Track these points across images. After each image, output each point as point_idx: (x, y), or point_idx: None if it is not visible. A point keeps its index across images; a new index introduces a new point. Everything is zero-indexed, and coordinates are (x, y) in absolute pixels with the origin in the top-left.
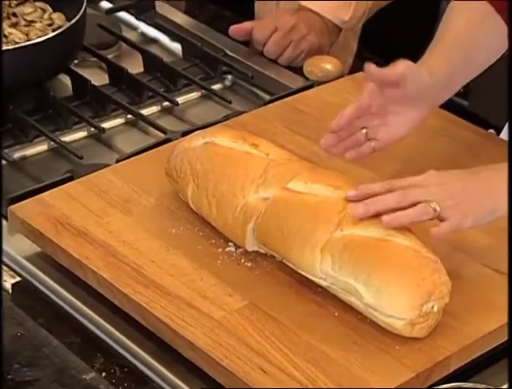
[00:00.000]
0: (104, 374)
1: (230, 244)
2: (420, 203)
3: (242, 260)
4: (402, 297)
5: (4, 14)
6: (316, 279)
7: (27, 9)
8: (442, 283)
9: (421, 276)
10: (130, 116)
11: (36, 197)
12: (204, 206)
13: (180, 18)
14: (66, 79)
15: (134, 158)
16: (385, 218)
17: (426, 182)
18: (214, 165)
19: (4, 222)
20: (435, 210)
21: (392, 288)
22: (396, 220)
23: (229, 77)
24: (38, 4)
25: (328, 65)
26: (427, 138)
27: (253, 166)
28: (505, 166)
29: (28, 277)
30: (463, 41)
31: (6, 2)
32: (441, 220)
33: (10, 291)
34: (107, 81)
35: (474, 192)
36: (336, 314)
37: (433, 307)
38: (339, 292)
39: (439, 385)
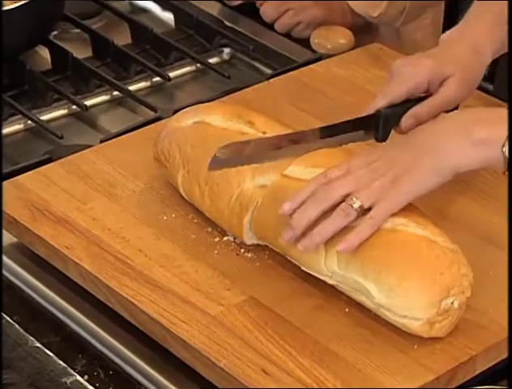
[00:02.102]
0: (86, 376)
1: (228, 233)
2: (348, 196)
3: (242, 250)
4: (417, 294)
5: None
6: (322, 277)
7: None
8: (462, 275)
9: (438, 270)
10: (115, 92)
11: (11, 180)
12: (196, 195)
13: None
14: (44, 52)
15: (120, 137)
16: (300, 244)
17: (354, 166)
18: (205, 148)
19: None
20: (359, 207)
21: (406, 286)
22: (312, 242)
23: (227, 50)
24: None
25: (338, 36)
26: None
27: None
28: (455, 114)
29: (2, 270)
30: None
31: None
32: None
33: None
34: (90, 54)
35: (406, 159)
36: (347, 309)
37: (452, 303)
38: (347, 291)
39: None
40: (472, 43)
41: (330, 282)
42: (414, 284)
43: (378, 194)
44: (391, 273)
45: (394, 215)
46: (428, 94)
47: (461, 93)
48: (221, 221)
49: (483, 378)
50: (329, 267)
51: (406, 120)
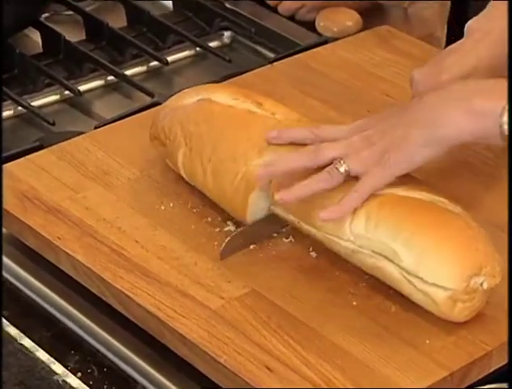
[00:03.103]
0: (79, 374)
1: (229, 223)
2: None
3: None
4: (451, 263)
5: None
6: (342, 242)
7: None
8: (495, 259)
9: (474, 245)
10: (110, 77)
11: None
12: (198, 173)
13: None
14: (34, 35)
15: (115, 123)
16: (278, 194)
17: (351, 132)
18: (210, 126)
19: None
20: (345, 171)
21: (439, 251)
22: (291, 194)
23: (228, 33)
24: None
25: (345, 18)
26: None
27: (256, 127)
28: (453, 84)
29: None
30: None
31: None
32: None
33: None
34: (84, 37)
35: (397, 132)
36: (355, 303)
37: (482, 284)
38: (368, 257)
39: (478, 386)
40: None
41: (351, 247)
42: (449, 251)
43: (366, 163)
44: (427, 235)
45: (432, 191)
46: None
47: None
48: (224, 201)
49: (497, 376)
50: (353, 230)
51: None
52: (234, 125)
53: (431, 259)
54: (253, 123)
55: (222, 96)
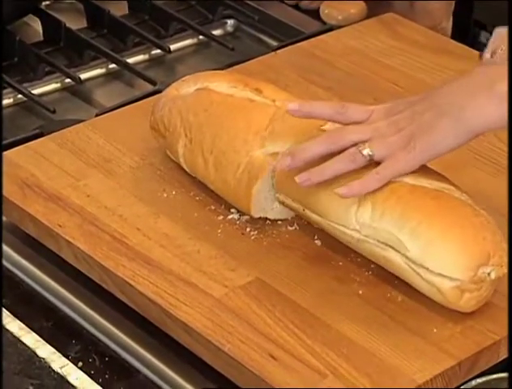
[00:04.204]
0: (80, 363)
1: (233, 210)
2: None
3: (247, 229)
4: (458, 252)
5: None
6: (347, 231)
7: None
8: (503, 249)
9: (482, 234)
10: (112, 65)
11: None
12: (199, 165)
13: None
14: (35, 22)
15: (117, 111)
16: (299, 176)
17: (378, 114)
18: (209, 116)
19: None
20: (368, 155)
21: (447, 240)
22: (312, 176)
23: (231, 21)
24: None
25: (350, 6)
26: None
27: (257, 115)
28: (480, 68)
29: None
30: None
31: None
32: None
33: None
34: (85, 24)
35: (425, 117)
36: (361, 291)
37: (489, 274)
38: (373, 246)
39: (485, 375)
40: None
41: (356, 236)
42: (456, 241)
43: (391, 148)
44: (433, 225)
45: (440, 179)
46: None
47: None
48: (227, 193)
49: (505, 366)
50: (359, 219)
51: None
52: (233, 114)
53: (437, 249)
54: (253, 112)
55: (221, 84)
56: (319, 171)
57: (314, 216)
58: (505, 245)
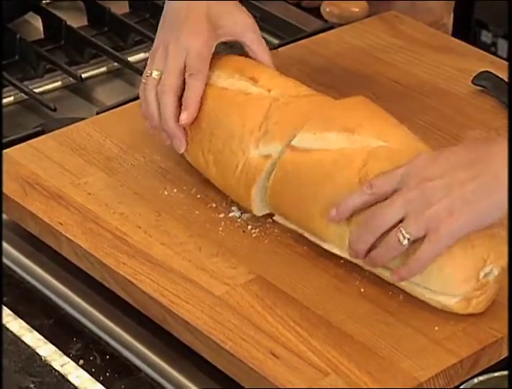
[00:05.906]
0: (81, 361)
1: (233, 208)
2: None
3: (249, 227)
4: (451, 272)
5: None
6: (346, 257)
7: None
8: (496, 242)
9: (469, 243)
10: (113, 63)
11: None
12: (200, 162)
13: None
14: (35, 20)
15: (118, 109)
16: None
17: (407, 181)
18: (205, 111)
19: None
20: (408, 239)
21: (439, 263)
22: (375, 263)
23: None
24: None
25: (351, 4)
26: None
27: (251, 111)
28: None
29: None
30: None
31: None
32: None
33: None
34: (85, 22)
35: (468, 187)
36: (362, 289)
37: (491, 271)
38: (375, 270)
39: (487, 373)
40: None
41: (355, 261)
42: (446, 260)
43: (431, 224)
44: None
45: None
46: None
47: None
48: (229, 191)
49: (507, 364)
50: None
51: None
52: (228, 110)
53: (432, 272)
54: (248, 107)
55: (218, 74)
56: (377, 260)
57: (313, 239)
58: (498, 231)
